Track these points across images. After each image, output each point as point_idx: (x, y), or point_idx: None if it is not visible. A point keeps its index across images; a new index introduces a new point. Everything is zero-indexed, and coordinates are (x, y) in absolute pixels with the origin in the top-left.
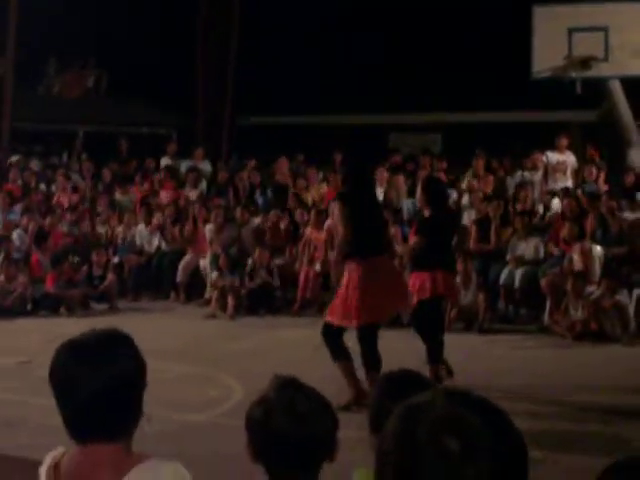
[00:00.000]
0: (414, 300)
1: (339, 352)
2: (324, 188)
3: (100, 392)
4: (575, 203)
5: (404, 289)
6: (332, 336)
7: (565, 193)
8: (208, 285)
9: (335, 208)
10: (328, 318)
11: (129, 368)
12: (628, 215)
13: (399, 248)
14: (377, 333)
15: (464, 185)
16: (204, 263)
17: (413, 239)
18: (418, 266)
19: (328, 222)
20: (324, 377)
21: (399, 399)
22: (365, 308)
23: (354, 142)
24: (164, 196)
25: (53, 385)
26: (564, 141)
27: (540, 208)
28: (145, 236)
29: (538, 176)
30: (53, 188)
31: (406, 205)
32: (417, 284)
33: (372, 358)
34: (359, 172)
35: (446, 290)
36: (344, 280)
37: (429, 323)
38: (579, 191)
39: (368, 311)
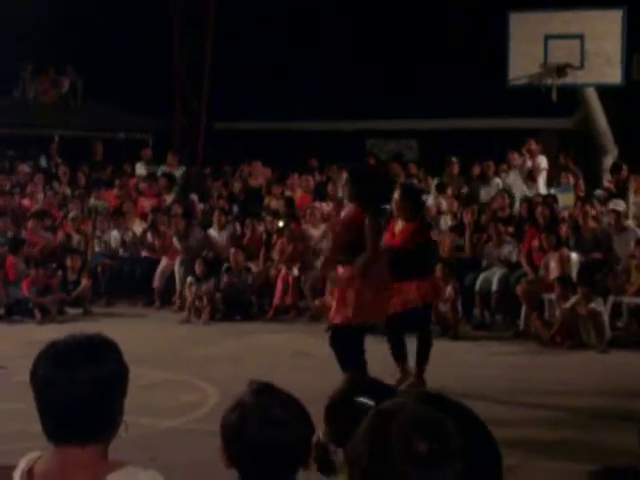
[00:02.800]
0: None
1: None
2: (299, 193)
3: (80, 396)
4: (548, 211)
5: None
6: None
7: (538, 201)
8: (177, 289)
9: (367, 224)
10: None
11: (111, 374)
12: (607, 220)
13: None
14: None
15: (432, 192)
16: (176, 270)
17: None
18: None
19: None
20: (301, 383)
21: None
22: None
23: (331, 148)
24: (146, 204)
25: (34, 387)
26: (533, 145)
27: (516, 214)
28: (119, 241)
29: (514, 178)
30: (28, 192)
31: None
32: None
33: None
34: (373, 186)
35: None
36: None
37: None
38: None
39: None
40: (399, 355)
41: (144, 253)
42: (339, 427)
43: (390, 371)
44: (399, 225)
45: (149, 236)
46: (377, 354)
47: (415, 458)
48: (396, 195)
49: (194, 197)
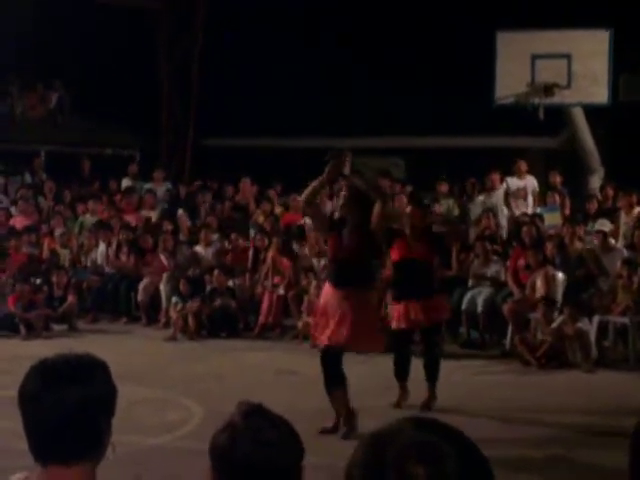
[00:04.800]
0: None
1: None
2: (281, 211)
3: (67, 415)
4: (535, 229)
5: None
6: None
7: (525, 220)
8: (163, 307)
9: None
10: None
11: (99, 394)
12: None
13: None
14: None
15: None
16: (161, 288)
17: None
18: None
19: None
20: (285, 401)
21: None
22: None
23: (317, 166)
24: (132, 219)
25: (20, 405)
26: (523, 166)
27: (503, 233)
28: (104, 257)
29: (497, 198)
30: (13, 209)
31: None
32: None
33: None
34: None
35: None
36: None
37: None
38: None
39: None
40: (402, 373)
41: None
42: None
43: (381, 388)
44: (412, 238)
45: (121, 254)
46: (368, 371)
47: None
48: (408, 209)
49: (181, 214)
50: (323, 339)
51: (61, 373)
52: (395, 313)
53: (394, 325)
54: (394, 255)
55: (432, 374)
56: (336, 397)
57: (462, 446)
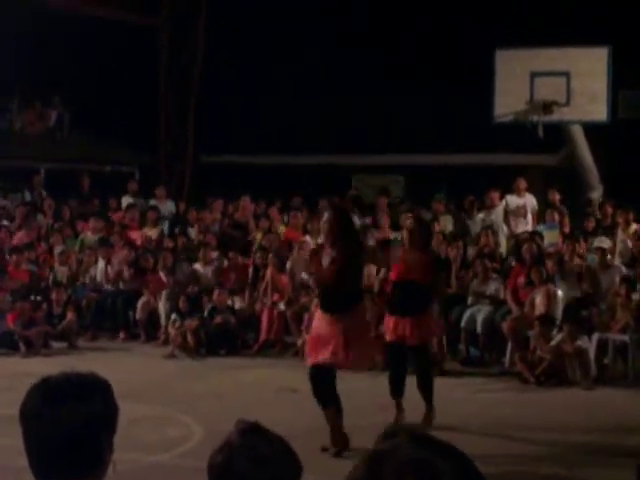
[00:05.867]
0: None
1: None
2: (283, 229)
3: (68, 433)
4: (535, 247)
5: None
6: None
7: (524, 238)
8: (162, 324)
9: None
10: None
11: (100, 412)
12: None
13: None
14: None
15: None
16: (160, 305)
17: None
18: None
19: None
20: (285, 419)
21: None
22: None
23: (316, 182)
24: (136, 236)
25: (22, 422)
26: (522, 184)
27: (502, 251)
28: (104, 274)
29: (497, 215)
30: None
31: None
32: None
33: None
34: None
35: None
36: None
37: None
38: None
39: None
40: (397, 391)
41: (121, 286)
42: None
43: (377, 406)
44: (411, 256)
45: (125, 271)
46: (364, 389)
47: None
48: (410, 225)
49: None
50: (314, 358)
51: (63, 391)
52: (386, 325)
53: (387, 338)
54: (392, 275)
55: (424, 389)
56: (329, 414)
57: (458, 463)
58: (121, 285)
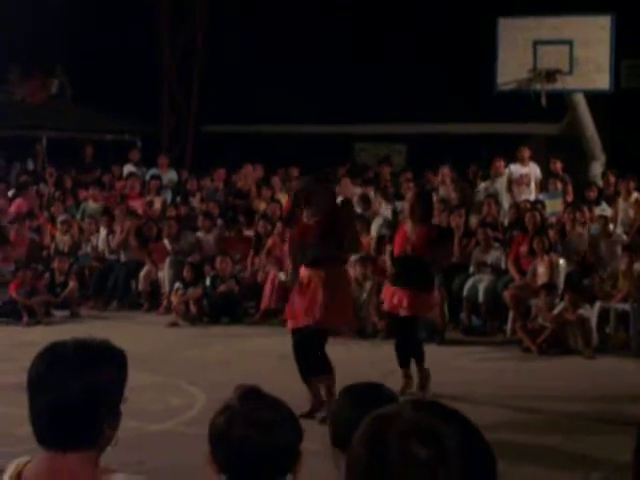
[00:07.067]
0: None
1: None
2: (285, 197)
3: (71, 401)
4: (538, 216)
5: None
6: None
7: (527, 207)
8: (165, 292)
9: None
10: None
11: (109, 380)
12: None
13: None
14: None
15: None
16: (162, 274)
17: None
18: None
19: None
20: (288, 386)
21: (364, 412)
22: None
23: (318, 151)
24: (138, 204)
25: (29, 387)
26: (526, 153)
27: (505, 220)
28: (106, 243)
29: (501, 184)
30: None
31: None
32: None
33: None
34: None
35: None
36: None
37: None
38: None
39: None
40: (403, 360)
41: (123, 256)
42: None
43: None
44: (411, 229)
45: (132, 240)
46: (365, 357)
47: (413, 462)
48: (410, 198)
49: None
50: (293, 322)
51: (66, 359)
52: (384, 294)
53: (384, 307)
54: (395, 249)
55: (414, 357)
56: (313, 385)
57: (462, 427)
58: (122, 255)
